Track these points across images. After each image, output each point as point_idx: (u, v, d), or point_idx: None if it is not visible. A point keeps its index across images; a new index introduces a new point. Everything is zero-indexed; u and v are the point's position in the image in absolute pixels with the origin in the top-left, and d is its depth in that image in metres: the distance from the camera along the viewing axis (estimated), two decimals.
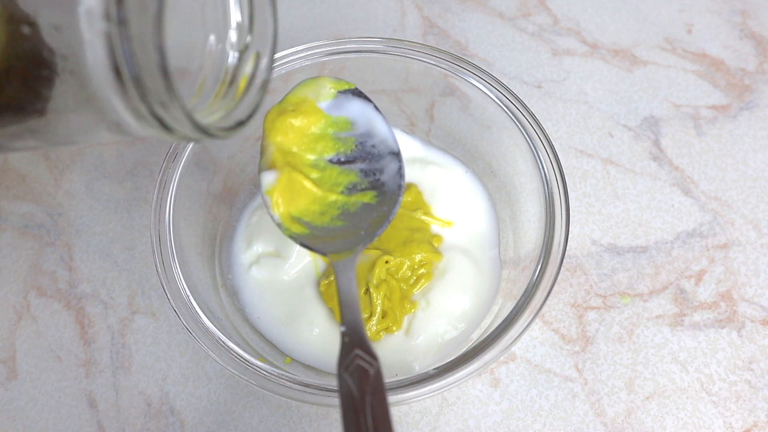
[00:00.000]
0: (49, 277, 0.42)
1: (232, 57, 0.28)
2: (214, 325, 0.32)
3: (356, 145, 0.33)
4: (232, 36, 0.28)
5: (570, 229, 0.33)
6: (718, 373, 0.38)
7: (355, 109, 0.33)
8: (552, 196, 0.34)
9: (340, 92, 0.33)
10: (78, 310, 0.41)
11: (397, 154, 0.33)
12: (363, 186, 0.32)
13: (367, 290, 0.36)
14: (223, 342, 0.32)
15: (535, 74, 0.49)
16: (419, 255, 0.37)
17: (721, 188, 0.44)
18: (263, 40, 0.28)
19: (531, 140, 0.36)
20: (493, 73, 0.42)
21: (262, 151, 0.32)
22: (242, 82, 0.28)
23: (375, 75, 0.40)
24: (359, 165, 0.33)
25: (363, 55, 0.38)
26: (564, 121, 0.47)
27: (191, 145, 0.36)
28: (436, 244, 0.38)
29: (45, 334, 0.40)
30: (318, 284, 0.38)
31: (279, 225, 0.31)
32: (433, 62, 0.38)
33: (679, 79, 0.48)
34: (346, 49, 0.38)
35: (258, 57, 0.28)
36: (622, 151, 0.45)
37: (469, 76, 0.37)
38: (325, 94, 0.33)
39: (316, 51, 0.38)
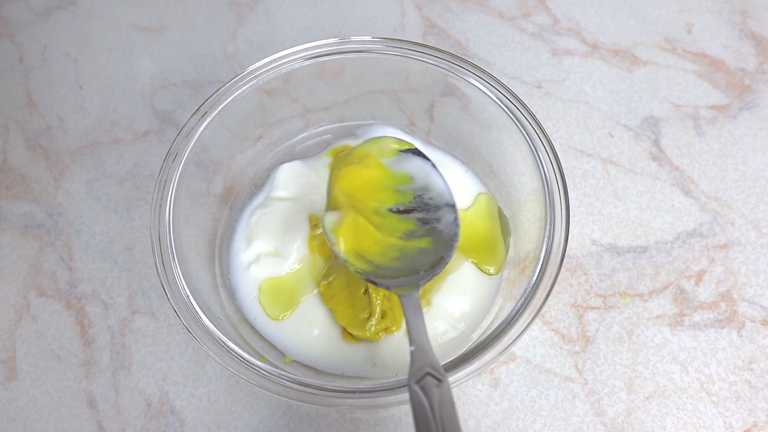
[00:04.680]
0: (49, 277, 0.42)
1: None
2: (214, 325, 0.32)
3: (414, 198, 0.35)
4: None
5: (570, 229, 0.33)
6: (718, 373, 0.38)
7: (414, 166, 0.36)
8: (552, 196, 0.34)
9: (401, 151, 0.36)
10: (78, 310, 0.41)
11: (452, 206, 0.35)
12: (420, 233, 0.34)
13: (366, 290, 0.36)
14: (223, 342, 0.32)
15: (535, 74, 0.49)
16: None
17: (721, 188, 0.44)
18: None
19: (531, 140, 0.36)
20: (493, 73, 0.42)
21: (328, 194, 0.36)
22: None
23: (375, 75, 0.40)
24: (417, 215, 0.35)
25: (363, 55, 0.38)
26: (564, 121, 0.47)
27: (191, 145, 0.36)
28: None
29: (45, 334, 0.40)
30: (317, 284, 0.38)
31: (345, 261, 0.33)
32: (433, 62, 0.38)
33: (679, 79, 0.48)
34: (346, 49, 0.38)
35: None
36: (622, 151, 0.45)
37: (469, 76, 0.37)
38: (387, 151, 0.36)
39: (316, 51, 0.38)
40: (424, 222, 0.35)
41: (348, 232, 0.34)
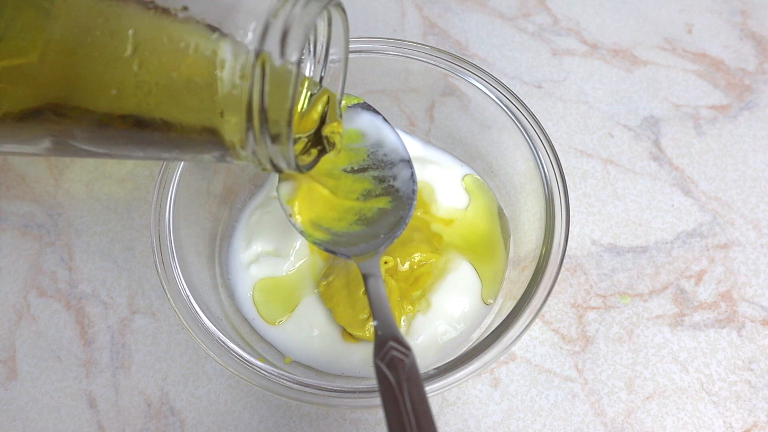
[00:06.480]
0: (49, 277, 0.42)
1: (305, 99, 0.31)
2: (214, 325, 0.32)
3: (368, 155, 0.34)
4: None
5: (570, 229, 0.33)
6: (718, 373, 0.38)
7: (365, 121, 0.34)
8: (552, 196, 0.34)
9: (349, 106, 0.35)
10: (78, 310, 0.41)
11: (408, 161, 0.34)
12: (377, 192, 0.34)
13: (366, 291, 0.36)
14: (223, 342, 0.32)
15: (535, 74, 0.49)
16: (418, 255, 0.37)
17: (721, 188, 0.44)
18: (333, 86, 0.31)
19: (531, 140, 0.36)
20: (493, 73, 0.42)
21: None
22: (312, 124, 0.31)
23: (375, 75, 0.40)
24: (372, 173, 0.34)
25: (363, 55, 0.38)
26: (564, 121, 0.47)
27: None
28: (435, 244, 0.38)
29: (45, 334, 0.40)
30: (317, 284, 0.38)
31: (302, 232, 0.32)
32: (433, 62, 0.38)
33: (679, 79, 0.48)
34: None
35: (327, 102, 0.31)
36: (622, 151, 0.45)
37: (469, 76, 0.37)
38: None
39: None
40: (380, 180, 0.34)
41: (303, 201, 0.33)
